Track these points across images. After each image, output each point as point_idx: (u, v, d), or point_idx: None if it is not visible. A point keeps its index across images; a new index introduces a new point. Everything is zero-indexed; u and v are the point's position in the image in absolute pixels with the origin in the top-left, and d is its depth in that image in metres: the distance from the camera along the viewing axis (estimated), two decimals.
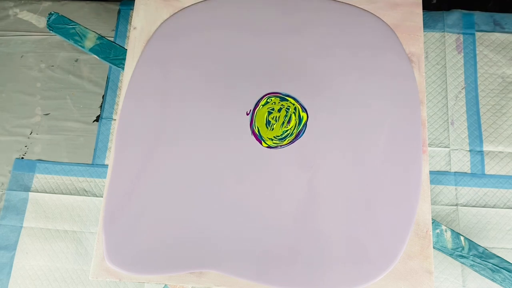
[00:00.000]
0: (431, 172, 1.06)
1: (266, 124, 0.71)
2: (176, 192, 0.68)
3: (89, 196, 1.08)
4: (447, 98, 1.12)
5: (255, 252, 0.65)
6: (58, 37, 0.95)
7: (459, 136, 1.09)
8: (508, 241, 1.02)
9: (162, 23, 0.78)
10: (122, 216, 0.67)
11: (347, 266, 0.64)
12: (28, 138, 1.16)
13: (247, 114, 0.72)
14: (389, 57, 0.74)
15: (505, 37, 1.16)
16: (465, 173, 1.07)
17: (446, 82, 1.13)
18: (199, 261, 0.65)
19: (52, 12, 0.83)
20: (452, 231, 0.71)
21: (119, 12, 1.24)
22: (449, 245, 0.70)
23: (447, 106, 1.11)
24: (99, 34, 0.83)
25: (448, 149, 1.08)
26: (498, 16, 1.18)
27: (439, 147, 1.09)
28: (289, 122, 0.71)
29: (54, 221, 1.07)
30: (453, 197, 1.05)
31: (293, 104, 0.72)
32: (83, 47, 0.82)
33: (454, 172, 1.07)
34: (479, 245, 0.71)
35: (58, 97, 1.19)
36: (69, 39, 0.82)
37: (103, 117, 1.15)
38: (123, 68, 0.78)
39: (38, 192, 1.09)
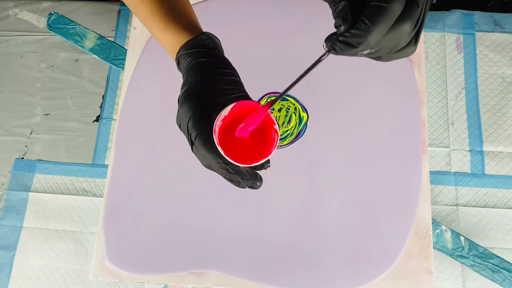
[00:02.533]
0: (431, 172, 1.06)
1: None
2: (176, 192, 0.68)
3: (89, 196, 1.08)
4: (447, 98, 1.12)
5: (255, 252, 0.65)
6: (58, 37, 0.95)
7: (459, 136, 1.09)
8: (508, 241, 1.02)
9: None
10: (122, 216, 0.67)
11: (347, 266, 0.64)
12: (28, 138, 1.16)
13: None
14: None
15: (505, 37, 1.16)
16: (465, 173, 1.07)
17: (446, 82, 1.13)
18: (199, 261, 0.65)
19: (52, 12, 0.83)
20: (452, 231, 0.71)
21: (119, 12, 1.24)
22: (449, 245, 0.70)
23: (447, 106, 1.11)
24: (99, 34, 0.83)
25: (448, 149, 1.08)
26: (498, 16, 1.18)
27: (439, 147, 1.08)
28: (289, 122, 0.71)
29: (54, 221, 1.07)
30: (453, 197, 1.05)
31: (294, 104, 0.72)
32: (83, 47, 0.82)
33: (454, 172, 1.07)
34: (479, 245, 0.71)
35: (58, 97, 1.19)
36: (69, 39, 0.82)
37: (103, 117, 1.15)
38: (123, 68, 0.78)
39: (38, 192, 1.09)
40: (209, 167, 0.40)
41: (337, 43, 0.31)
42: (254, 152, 0.39)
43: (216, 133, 0.37)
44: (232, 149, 0.37)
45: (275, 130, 0.38)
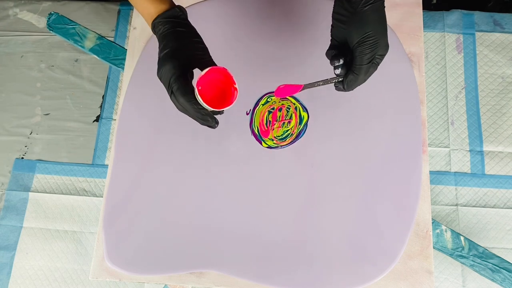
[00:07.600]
0: (431, 172, 1.06)
1: (266, 124, 0.71)
2: (176, 192, 0.68)
3: (89, 196, 1.08)
4: (447, 98, 1.12)
5: (255, 252, 0.65)
6: (58, 37, 0.95)
7: (459, 136, 1.09)
8: (508, 241, 1.02)
9: None
10: (122, 216, 0.67)
11: (347, 266, 0.64)
12: (28, 138, 1.16)
13: (247, 114, 0.72)
14: (389, 57, 0.74)
15: (505, 37, 1.16)
16: (465, 173, 1.07)
17: (446, 82, 1.13)
18: (199, 261, 0.65)
19: (52, 12, 0.83)
20: (452, 231, 0.71)
21: (119, 12, 1.24)
22: (449, 245, 0.70)
23: (447, 106, 1.11)
24: (99, 34, 0.83)
25: (448, 149, 1.08)
26: (498, 16, 1.18)
27: (439, 147, 1.09)
28: (289, 122, 0.71)
29: (54, 221, 1.07)
30: (453, 197, 1.05)
31: (294, 104, 0.72)
32: (83, 47, 0.82)
33: (454, 172, 1.07)
34: (479, 245, 0.71)
35: (58, 97, 1.19)
36: (69, 39, 0.82)
37: (103, 117, 1.16)
38: (123, 68, 0.78)
39: (38, 192, 1.09)
40: (184, 111, 0.53)
41: (339, 85, 0.56)
42: (220, 103, 0.54)
43: (197, 87, 0.51)
44: (205, 99, 0.51)
45: (235, 88, 0.53)
